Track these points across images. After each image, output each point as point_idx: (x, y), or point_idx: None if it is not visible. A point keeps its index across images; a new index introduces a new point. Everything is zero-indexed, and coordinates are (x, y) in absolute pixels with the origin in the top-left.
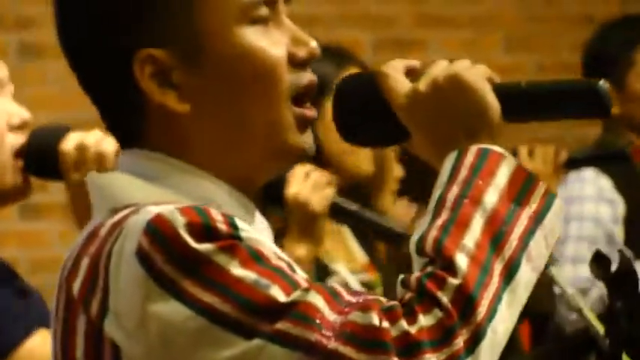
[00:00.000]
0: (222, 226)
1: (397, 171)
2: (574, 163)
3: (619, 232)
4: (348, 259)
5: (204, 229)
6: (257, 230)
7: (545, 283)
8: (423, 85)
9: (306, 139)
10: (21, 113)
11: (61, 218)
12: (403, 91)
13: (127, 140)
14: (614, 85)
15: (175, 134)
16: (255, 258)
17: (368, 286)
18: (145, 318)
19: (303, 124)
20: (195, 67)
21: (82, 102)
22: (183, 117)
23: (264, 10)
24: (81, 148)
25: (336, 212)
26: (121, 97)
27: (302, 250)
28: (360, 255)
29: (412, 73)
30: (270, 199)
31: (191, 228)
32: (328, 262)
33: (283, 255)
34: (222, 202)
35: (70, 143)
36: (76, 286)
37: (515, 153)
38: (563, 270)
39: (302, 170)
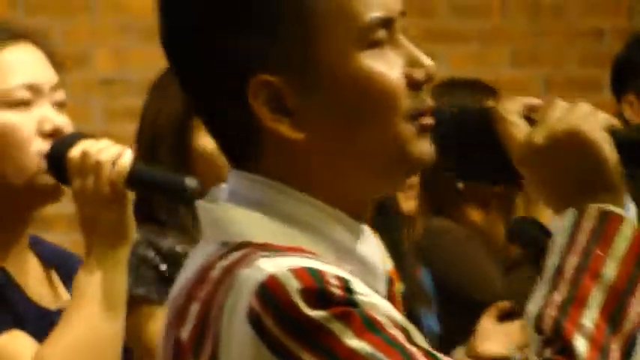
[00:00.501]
0: (337, 291)
1: None
2: None
3: None
4: None
5: (318, 295)
6: (368, 251)
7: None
8: (540, 136)
9: (425, 147)
10: (54, 120)
11: (72, 229)
12: (519, 138)
13: (237, 161)
14: None
15: (287, 159)
16: (370, 327)
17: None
18: None
19: (424, 132)
20: (311, 93)
21: (90, 113)
22: (297, 143)
23: (381, 33)
24: (84, 155)
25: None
26: (234, 120)
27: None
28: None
29: (530, 111)
30: None
31: (305, 293)
32: None
33: (398, 316)
34: (329, 229)
35: (77, 150)
36: (185, 332)
37: None
38: None
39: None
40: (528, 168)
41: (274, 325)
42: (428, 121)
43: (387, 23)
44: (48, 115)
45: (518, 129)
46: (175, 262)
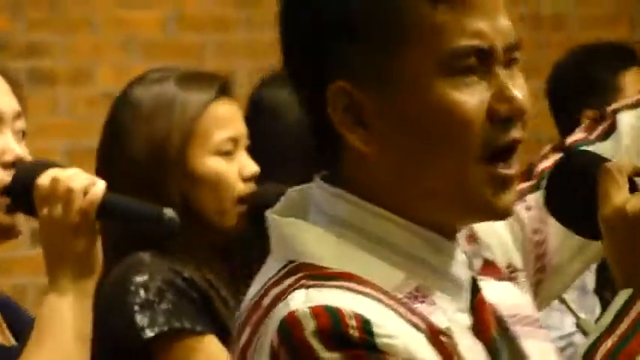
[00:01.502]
0: (354, 333)
1: None
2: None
3: None
4: None
5: (333, 336)
6: (455, 266)
7: None
8: (635, 207)
9: (504, 199)
10: (15, 150)
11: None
12: (614, 200)
13: (322, 165)
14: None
15: (360, 170)
16: None
17: None
18: None
19: (499, 182)
20: (387, 108)
21: (92, 129)
22: (367, 156)
23: (471, 61)
24: (53, 182)
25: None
26: (316, 124)
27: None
28: None
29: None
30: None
31: (320, 334)
32: None
33: (423, 356)
34: (403, 243)
35: (45, 177)
36: (235, 357)
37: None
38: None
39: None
40: (611, 230)
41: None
42: (504, 171)
43: (479, 53)
44: (9, 144)
45: (618, 190)
46: (197, 290)
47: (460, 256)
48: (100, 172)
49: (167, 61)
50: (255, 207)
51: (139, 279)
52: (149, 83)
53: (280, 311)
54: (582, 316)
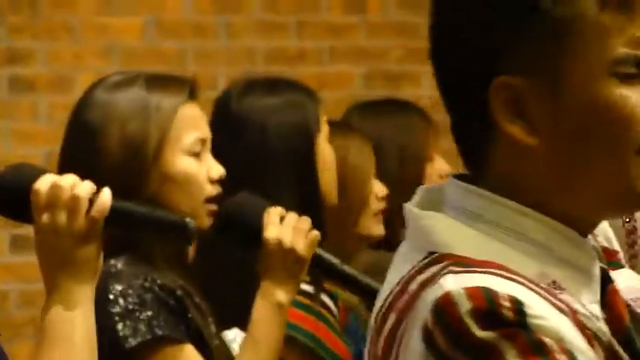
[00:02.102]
0: (508, 313)
1: (378, 190)
2: None
3: None
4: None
5: (488, 316)
6: (590, 263)
7: None
8: None
9: None
10: None
11: None
12: None
13: (470, 163)
14: None
15: (517, 163)
16: (535, 349)
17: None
18: None
19: None
20: (552, 103)
21: None
22: (528, 149)
23: (631, 69)
24: (55, 189)
25: (317, 264)
26: (472, 118)
27: (282, 295)
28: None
29: None
30: (237, 239)
31: (475, 314)
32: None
33: (575, 342)
34: (542, 238)
35: (43, 183)
36: (380, 344)
37: None
38: None
39: (276, 211)
40: None
41: (444, 342)
42: None
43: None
44: None
45: None
46: (173, 297)
47: (593, 251)
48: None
49: (147, 68)
50: (230, 216)
51: (118, 287)
52: (115, 86)
53: (432, 293)
54: None
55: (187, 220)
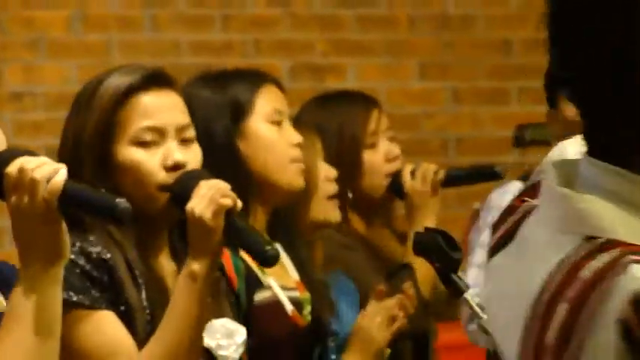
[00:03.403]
0: None
1: (327, 172)
2: (449, 181)
3: None
4: (280, 275)
5: None
6: None
7: (420, 305)
8: None
9: None
10: None
11: None
12: None
13: (604, 148)
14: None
15: None
16: None
17: (297, 303)
18: None
19: None
20: None
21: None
22: None
23: None
24: (20, 172)
25: (230, 232)
26: (615, 102)
27: (196, 265)
28: (293, 272)
29: None
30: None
31: None
32: (261, 276)
33: None
34: None
35: (13, 166)
36: (551, 334)
37: (400, 171)
38: (468, 275)
39: (206, 185)
40: None
41: None
42: None
43: None
44: None
45: None
46: (104, 268)
47: None
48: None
49: (74, 61)
50: (170, 189)
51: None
52: (97, 76)
53: (625, 286)
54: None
55: (118, 200)
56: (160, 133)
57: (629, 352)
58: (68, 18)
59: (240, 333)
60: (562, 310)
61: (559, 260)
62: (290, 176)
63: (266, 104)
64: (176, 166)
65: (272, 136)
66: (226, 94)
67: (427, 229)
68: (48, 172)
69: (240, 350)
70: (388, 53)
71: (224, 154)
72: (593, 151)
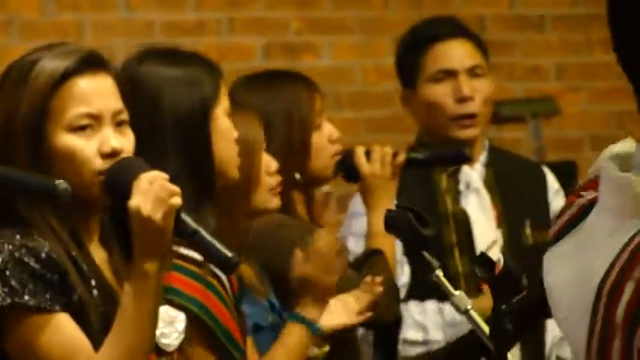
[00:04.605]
0: None
1: (269, 165)
2: (412, 164)
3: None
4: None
5: None
6: None
7: (390, 291)
8: None
9: None
10: None
11: None
12: None
13: None
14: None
15: None
16: None
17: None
18: None
19: None
20: None
21: None
22: None
23: None
24: None
25: (180, 230)
26: None
27: (148, 264)
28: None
29: None
30: (116, 205)
31: None
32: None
33: None
34: None
35: None
36: (620, 312)
37: (351, 153)
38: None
39: (147, 179)
40: None
41: None
42: None
43: None
44: None
45: None
46: (53, 267)
47: None
48: None
49: (46, 41)
50: (105, 181)
51: None
52: (28, 54)
53: None
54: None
55: (57, 182)
56: (96, 119)
57: None
58: None
59: (180, 320)
60: (629, 289)
61: (624, 243)
62: (233, 169)
63: (226, 99)
64: (113, 153)
65: (230, 128)
66: (197, 85)
67: (398, 206)
68: None
69: (182, 337)
70: (362, 31)
71: (198, 135)
72: None
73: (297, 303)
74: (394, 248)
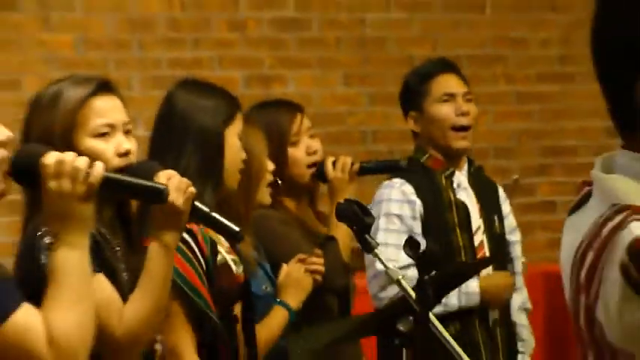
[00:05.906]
0: None
1: (268, 165)
2: (363, 171)
3: (417, 227)
4: (222, 244)
5: None
6: None
7: (338, 263)
8: None
9: None
10: (3, 132)
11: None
12: None
13: (626, 138)
14: (417, 111)
15: None
16: None
17: (235, 263)
18: (622, 311)
19: None
20: None
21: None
22: None
23: None
24: (59, 163)
25: (195, 213)
26: (625, 109)
27: (168, 237)
28: (224, 240)
29: None
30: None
31: None
32: (217, 245)
33: None
34: None
35: (50, 158)
36: (582, 273)
37: (322, 164)
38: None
39: (164, 175)
40: None
41: (637, 272)
42: None
43: None
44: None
45: None
46: (94, 240)
47: None
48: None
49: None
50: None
51: (47, 240)
52: (51, 85)
53: (626, 237)
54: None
55: (163, 187)
56: (112, 127)
57: (627, 284)
58: (74, 40)
59: None
60: (590, 257)
61: (594, 221)
62: (232, 180)
63: (239, 123)
64: (126, 153)
65: (238, 147)
66: (216, 110)
67: (346, 200)
68: (86, 162)
69: None
70: (319, 67)
71: (215, 144)
72: (624, 145)
73: (280, 292)
74: (346, 234)
